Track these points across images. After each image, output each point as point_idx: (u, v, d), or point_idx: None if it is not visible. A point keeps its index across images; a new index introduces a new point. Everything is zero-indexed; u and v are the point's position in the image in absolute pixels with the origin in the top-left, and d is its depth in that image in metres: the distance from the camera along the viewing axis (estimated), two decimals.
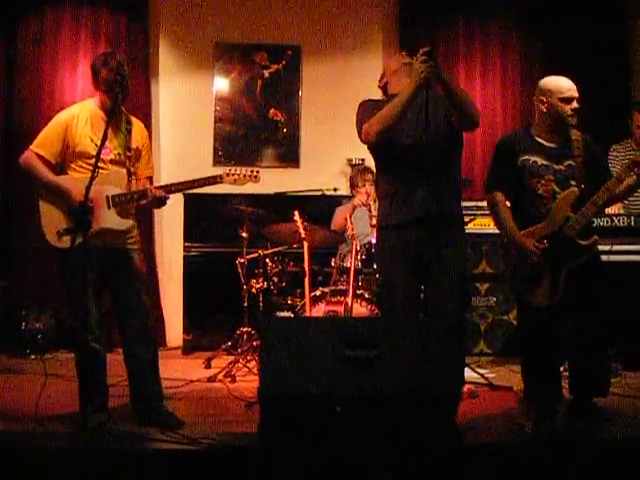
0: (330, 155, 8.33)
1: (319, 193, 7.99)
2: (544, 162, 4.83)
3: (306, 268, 5.83)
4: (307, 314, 5.74)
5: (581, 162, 4.80)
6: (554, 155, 4.85)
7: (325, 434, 3.68)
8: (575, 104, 4.82)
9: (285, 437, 3.69)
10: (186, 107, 8.26)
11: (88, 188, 4.20)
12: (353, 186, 7.06)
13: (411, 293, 4.72)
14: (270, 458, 3.68)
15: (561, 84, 4.86)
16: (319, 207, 7.62)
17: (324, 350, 3.71)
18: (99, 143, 4.47)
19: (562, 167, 4.82)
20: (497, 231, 6.98)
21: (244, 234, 6.65)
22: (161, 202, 4.79)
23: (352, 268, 5.83)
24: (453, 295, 4.68)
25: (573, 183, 4.79)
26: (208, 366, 6.70)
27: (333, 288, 6.05)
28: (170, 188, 4.75)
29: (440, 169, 4.65)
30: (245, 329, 6.68)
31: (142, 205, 4.78)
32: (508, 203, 4.93)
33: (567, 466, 3.96)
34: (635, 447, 4.24)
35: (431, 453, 3.79)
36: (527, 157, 4.86)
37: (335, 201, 7.86)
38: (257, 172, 5.02)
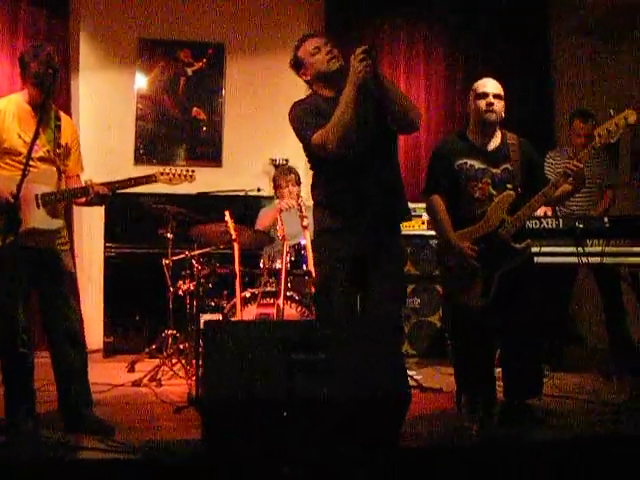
0: (253, 155, 8.26)
1: (242, 193, 7.90)
2: (481, 165, 4.86)
3: (236, 269, 5.74)
4: (237, 316, 5.65)
5: (518, 166, 4.85)
6: (491, 158, 4.88)
7: (271, 439, 3.62)
8: (491, 99, 4.85)
9: (230, 443, 3.62)
10: (107, 104, 8.07)
11: (19, 186, 4.05)
12: (276, 187, 6.98)
13: (348, 296, 4.65)
14: (216, 465, 3.60)
15: (479, 83, 4.94)
16: (242, 207, 7.51)
17: (269, 354, 3.66)
18: (27, 140, 4.33)
19: (498, 171, 4.86)
20: (422, 233, 7.15)
21: (169, 235, 6.52)
22: (102, 200, 4.64)
23: (284, 269, 5.76)
24: (392, 296, 4.61)
25: (509, 186, 4.84)
26: (132, 370, 6.56)
27: (263, 290, 5.97)
28: (109, 186, 4.61)
29: (381, 173, 4.58)
30: (170, 332, 6.55)
31: (81, 203, 4.64)
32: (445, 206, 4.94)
33: (506, 467, 3.98)
34: (568, 448, 4.28)
35: (375, 457, 3.77)
36: (464, 161, 4.88)
37: (258, 202, 7.79)
38: (192, 172, 4.93)
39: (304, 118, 4.58)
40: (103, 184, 4.61)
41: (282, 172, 7.01)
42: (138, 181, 4.71)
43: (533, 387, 4.95)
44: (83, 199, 4.59)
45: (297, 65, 4.72)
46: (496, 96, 4.87)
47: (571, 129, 6.85)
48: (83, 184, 4.64)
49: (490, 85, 4.90)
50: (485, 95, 4.86)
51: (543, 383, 5.08)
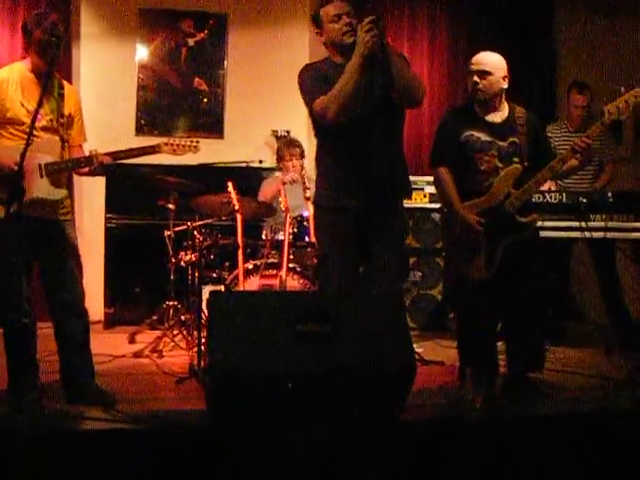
0: (255, 126, 8.19)
1: (244, 165, 7.87)
2: (487, 138, 4.84)
3: (239, 241, 5.73)
4: (240, 288, 5.64)
5: (525, 139, 4.83)
6: (498, 131, 4.86)
7: (276, 410, 3.63)
8: (474, 78, 4.82)
9: (235, 414, 3.62)
10: (108, 75, 8.01)
11: (23, 156, 4.02)
12: (280, 158, 6.96)
13: (349, 268, 4.66)
14: (220, 436, 3.60)
15: (473, 58, 4.90)
16: (244, 179, 7.45)
17: (275, 325, 3.65)
18: (30, 109, 4.29)
19: (505, 144, 4.84)
20: (423, 206, 7.14)
21: (171, 206, 6.49)
22: (106, 170, 4.62)
23: (286, 241, 5.76)
24: (394, 269, 4.63)
25: (516, 160, 4.82)
26: (132, 341, 6.57)
27: (266, 261, 5.96)
28: (113, 155, 4.59)
29: (383, 146, 4.58)
30: (172, 303, 6.54)
31: (83, 173, 4.62)
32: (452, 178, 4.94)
33: (508, 440, 3.99)
34: (570, 422, 4.29)
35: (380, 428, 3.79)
36: (471, 133, 4.86)
37: (260, 173, 7.77)
38: (197, 142, 4.90)
39: (310, 83, 4.58)
40: (107, 154, 4.58)
41: (286, 144, 6.98)
42: (142, 151, 4.69)
43: (535, 361, 4.96)
44: (86, 169, 4.56)
45: (316, 23, 4.69)
46: (480, 73, 4.82)
47: (568, 101, 6.86)
48: (86, 154, 4.61)
49: (480, 63, 4.85)
50: (470, 73, 4.86)
51: (545, 357, 5.09)
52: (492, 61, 4.84)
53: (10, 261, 4.22)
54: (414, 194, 7.10)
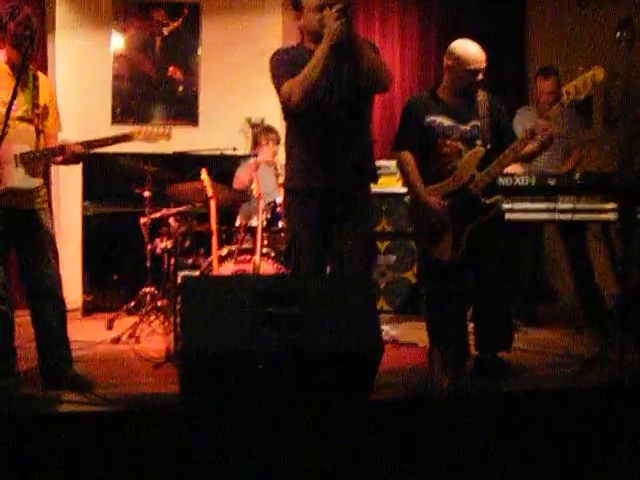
0: (229, 114, 8.25)
1: (218, 153, 7.91)
2: (450, 123, 4.93)
3: (213, 227, 5.79)
4: (215, 273, 5.71)
5: (487, 122, 4.92)
6: (460, 116, 4.94)
7: (246, 391, 3.70)
8: (480, 76, 4.90)
9: (208, 396, 3.69)
10: (83, 64, 8.05)
11: None
12: (256, 144, 7.04)
13: (317, 250, 4.74)
14: (193, 417, 3.68)
15: (469, 55, 4.90)
16: (218, 167, 7.52)
17: (245, 308, 3.72)
18: (5, 100, 4.34)
19: (467, 127, 4.92)
20: (396, 190, 7.21)
21: (146, 193, 6.57)
22: (79, 158, 4.69)
23: (260, 227, 5.83)
24: (362, 253, 4.71)
25: (479, 143, 4.90)
26: (110, 327, 6.63)
27: (240, 247, 6.03)
28: (86, 144, 4.65)
29: (350, 131, 4.65)
30: (148, 289, 6.63)
31: (57, 162, 4.68)
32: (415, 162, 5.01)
33: (476, 419, 4.07)
34: (540, 399, 4.39)
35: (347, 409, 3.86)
36: (433, 118, 4.94)
37: (235, 161, 7.81)
38: (169, 129, 4.98)
39: (280, 67, 4.65)
40: (81, 143, 4.65)
41: (263, 130, 7.08)
42: (115, 139, 4.75)
43: (504, 340, 5.05)
44: (60, 158, 4.62)
45: (295, 6, 4.72)
46: (483, 71, 4.92)
47: (536, 87, 6.94)
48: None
49: (482, 60, 4.90)
50: (477, 72, 4.89)
51: (513, 336, 5.18)
52: (484, 53, 4.93)
53: None
54: (387, 178, 7.19)
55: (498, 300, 4.97)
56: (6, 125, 4.18)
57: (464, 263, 4.91)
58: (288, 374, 3.73)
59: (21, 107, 4.51)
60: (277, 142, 6.85)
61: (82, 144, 4.64)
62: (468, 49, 4.92)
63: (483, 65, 4.89)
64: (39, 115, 4.60)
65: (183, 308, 3.86)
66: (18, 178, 4.47)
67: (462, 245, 4.86)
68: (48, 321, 4.65)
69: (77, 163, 4.81)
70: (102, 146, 4.76)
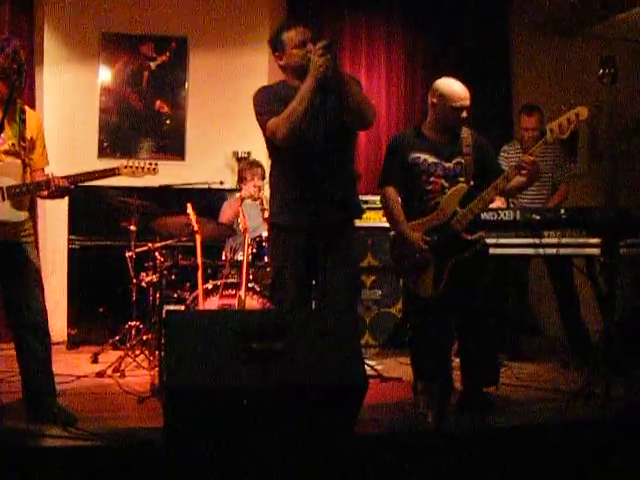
0: (216, 148, 8.30)
1: (205, 186, 7.93)
2: (434, 159, 4.97)
3: (199, 261, 5.81)
4: (200, 307, 5.72)
5: (470, 159, 4.96)
6: (444, 152, 4.99)
7: (230, 426, 3.70)
8: (465, 114, 4.95)
9: (191, 431, 3.68)
10: (71, 98, 8.08)
11: None
12: (241, 179, 7.06)
13: (301, 286, 4.76)
14: (176, 452, 3.67)
15: (454, 92, 4.96)
16: (205, 200, 7.56)
17: (229, 343, 3.72)
18: None
19: (451, 164, 4.97)
20: (382, 225, 7.22)
21: (132, 227, 6.59)
22: (64, 193, 4.70)
23: (245, 261, 5.84)
24: (346, 287, 4.72)
25: (462, 180, 4.95)
26: (95, 361, 6.61)
27: (225, 281, 6.03)
28: (72, 179, 4.67)
29: (334, 167, 4.67)
30: (134, 323, 6.62)
31: (43, 196, 4.69)
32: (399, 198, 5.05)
33: (461, 454, 4.07)
34: (525, 434, 4.39)
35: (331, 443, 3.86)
36: (417, 155, 4.99)
37: (221, 195, 7.84)
38: (155, 164, 5.02)
39: (264, 104, 4.69)
40: (65, 177, 4.66)
41: (248, 165, 7.08)
42: (102, 174, 4.78)
43: (490, 376, 5.07)
44: (45, 192, 4.64)
45: (276, 46, 4.76)
46: (468, 109, 4.97)
47: (519, 124, 7.02)
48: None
49: (466, 98, 4.95)
50: (461, 110, 4.94)
51: (500, 372, 5.20)
52: (468, 91, 4.98)
53: None
54: (373, 213, 7.22)
55: (483, 335, 4.99)
56: None
57: (448, 298, 4.92)
58: (272, 409, 3.71)
59: (7, 141, 4.54)
60: (262, 177, 6.87)
61: (67, 178, 4.65)
62: (452, 87, 4.97)
63: (467, 103, 4.94)
64: (25, 148, 4.62)
65: (167, 342, 3.86)
66: (4, 211, 4.49)
67: (443, 281, 4.88)
68: (33, 354, 4.64)
69: (62, 197, 4.82)
70: (89, 180, 4.79)
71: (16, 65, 4.45)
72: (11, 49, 4.46)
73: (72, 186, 4.69)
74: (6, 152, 4.54)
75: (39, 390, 4.65)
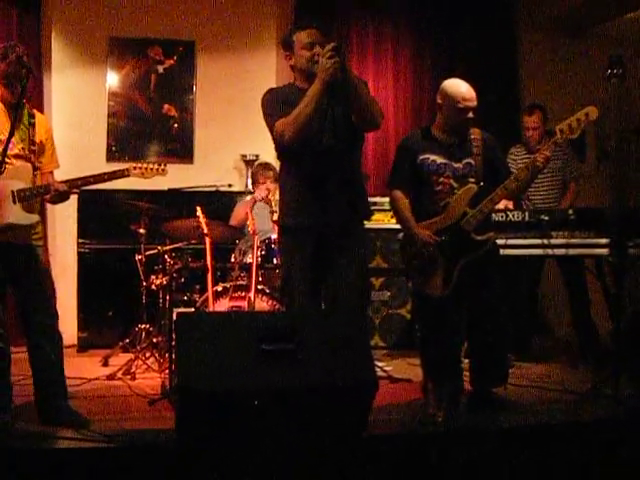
0: (224, 151, 8.31)
1: (213, 189, 7.97)
2: (443, 160, 4.98)
3: (208, 264, 5.82)
4: (210, 309, 5.73)
5: (480, 160, 4.96)
6: (453, 153, 5.00)
7: (242, 427, 3.71)
8: (470, 114, 4.95)
9: (203, 433, 3.69)
10: (79, 102, 8.09)
11: None
12: (254, 182, 7.08)
13: (312, 288, 4.77)
14: (188, 454, 3.68)
15: (460, 93, 4.96)
16: (213, 203, 7.58)
17: (241, 345, 3.73)
18: (2, 138, 4.41)
19: (460, 165, 4.98)
20: (390, 226, 7.24)
21: (142, 230, 6.60)
22: (64, 197, 4.73)
23: (254, 264, 5.85)
24: (356, 289, 4.72)
25: (471, 180, 4.95)
26: (105, 364, 6.62)
27: (235, 284, 6.04)
28: (76, 182, 4.70)
29: (342, 169, 4.70)
30: (143, 326, 6.62)
31: (46, 200, 4.73)
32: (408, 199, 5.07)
33: (471, 454, 4.08)
34: (535, 434, 4.39)
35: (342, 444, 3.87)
36: (426, 156, 5.00)
37: (229, 197, 7.87)
38: (164, 165, 5.04)
39: (272, 105, 4.71)
40: (69, 180, 4.70)
41: (261, 168, 7.10)
42: (112, 175, 4.81)
43: (498, 376, 5.07)
44: (47, 196, 4.67)
45: (286, 46, 4.80)
46: (475, 109, 4.97)
47: (522, 124, 7.01)
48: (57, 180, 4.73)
49: (472, 99, 4.95)
50: (467, 111, 4.94)
51: (508, 372, 5.20)
52: (474, 92, 4.98)
53: None
54: (381, 215, 7.23)
55: (493, 336, 4.98)
56: (4, 162, 4.22)
57: (458, 298, 4.93)
58: (283, 410, 3.72)
59: (17, 145, 4.57)
60: (275, 180, 6.88)
61: (68, 182, 4.68)
62: (458, 88, 4.98)
63: (472, 103, 4.94)
64: (35, 152, 4.66)
65: (178, 344, 3.87)
66: (15, 214, 4.51)
67: (452, 282, 4.89)
68: (46, 357, 4.67)
69: (62, 201, 4.83)
70: (99, 182, 4.81)
71: (20, 72, 4.48)
72: (14, 56, 4.49)
73: (75, 190, 4.73)
74: (16, 156, 4.57)
75: (51, 393, 4.67)
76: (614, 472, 4.14)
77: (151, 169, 4.99)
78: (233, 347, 3.73)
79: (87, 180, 4.74)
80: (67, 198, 4.78)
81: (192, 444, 3.69)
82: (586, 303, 6.68)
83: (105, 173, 4.80)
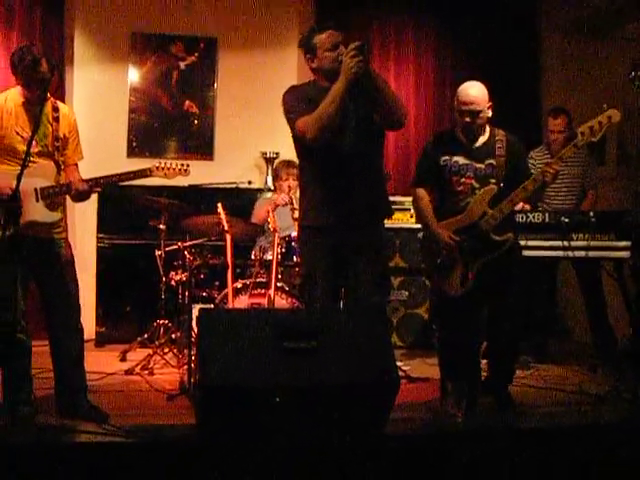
0: (244, 148, 8.32)
1: (233, 186, 7.98)
2: (465, 161, 5.00)
3: (229, 260, 5.82)
4: (229, 306, 5.74)
5: (503, 162, 4.96)
6: (476, 154, 5.01)
7: (263, 424, 3.72)
8: (467, 119, 4.94)
9: (224, 429, 3.71)
10: (101, 98, 8.12)
11: (19, 180, 4.13)
12: (276, 178, 7.07)
13: (332, 287, 4.79)
14: (210, 450, 3.70)
15: (461, 97, 4.99)
16: (233, 200, 7.56)
17: (262, 342, 3.75)
18: (25, 135, 4.45)
19: (483, 166, 4.98)
20: (410, 226, 7.25)
21: (161, 226, 6.61)
22: (85, 196, 4.75)
23: (274, 261, 5.86)
24: (376, 287, 4.74)
25: (492, 181, 4.96)
26: (123, 359, 6.65)
27: (254, 281, 6.05)
28: (97, 181, 4.71)
29: (364, 169, 4.70)
30: (162, 321, 6.64)
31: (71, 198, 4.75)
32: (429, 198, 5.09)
33: (490, 454, 4.08)
34: (553, 436, 4.39)
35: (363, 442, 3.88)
36: (449, 157, 5.03)
37: (249, 194, 7.87)
38: (187, 165, 5.06)
39: (294, 103, 4.71)
40: (92, 179, 4.72)
41: (284, 165, 7.08)
42: (135, 175, 4.82)
43: (506, 375, 5.15)
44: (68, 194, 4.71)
45: (308, 49, 4.76)
46: (472, 114, 4.94)
47: (546, 127, 6.99)
48: (78, 174, 4.75)
49: (474, 103, 4.94)
50: (463, 114, 4.96)
51: (515, 370, 5.23)
52: (479, 96, 4.96)
53: (8, 278, 4.30)
54: (401, 214, 7.24)
55: (509, 335, 4.99)
56: (27, 159, 4.24)
57: (477, 298, 4.94)
58: (305, 407, 3.75)
59: (40, 142, 4.59)
60: (297, 177, 6.88)
61: (92, 181, 4.70)
62: (461, 91, 5.01)
63: (470, 107, 4.93)
64: (58, 147, 4.68)
65: (200, 341, 3.88)
66: (39, 212, 4.55)
67: (470, 281, 4.90)
68: (67, 350, 4.71)
69: (84, 200, 4.84)
70: (122, 181, 4.83)
71: (37, 73, 4.50)
72: (30, 58, 4.49)
73: (98, 189, 4.76)
74: (39, 153, 4.60)
75: (71, 387, 4.70)
76: (632, 474, 4.13)
77: (174, 169, 4.99)
78: (255, 344, 3.76)
79: (108, 179, 4.75)
80: (88, 197, 4.80)
81: (213, 440, 3.71)
82: (602, 306, 6.66)
83: (128, 172, 4.82)
